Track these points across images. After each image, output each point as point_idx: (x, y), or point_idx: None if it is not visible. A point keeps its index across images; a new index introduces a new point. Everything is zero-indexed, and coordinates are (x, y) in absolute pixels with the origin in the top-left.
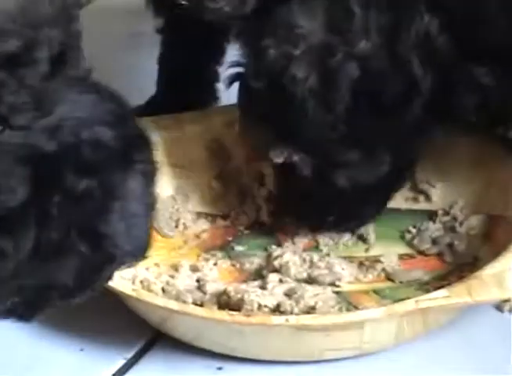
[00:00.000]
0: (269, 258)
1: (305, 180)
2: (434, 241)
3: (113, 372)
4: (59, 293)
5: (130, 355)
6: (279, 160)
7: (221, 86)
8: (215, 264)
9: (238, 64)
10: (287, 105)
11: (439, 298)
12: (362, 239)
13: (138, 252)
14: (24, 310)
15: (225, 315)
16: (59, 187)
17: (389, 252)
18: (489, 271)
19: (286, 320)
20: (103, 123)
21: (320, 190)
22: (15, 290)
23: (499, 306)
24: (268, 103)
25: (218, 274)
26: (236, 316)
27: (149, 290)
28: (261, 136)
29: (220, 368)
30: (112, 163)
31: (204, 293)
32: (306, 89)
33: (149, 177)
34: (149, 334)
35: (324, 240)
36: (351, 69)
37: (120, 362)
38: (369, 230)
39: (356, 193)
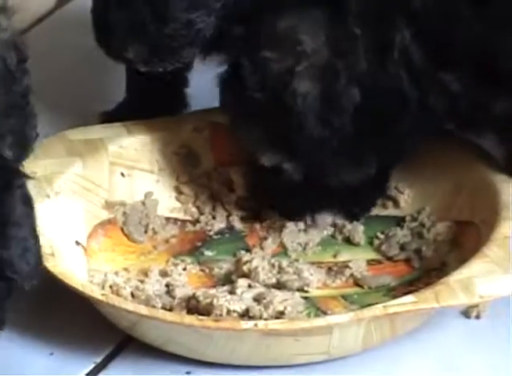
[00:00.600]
0: (238, 263)
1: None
2: (402, 247)
3: (85, 373)
4: None
5: (99, 359)
6: (270, 164)
7: (189, 92)
8: (184, 269)
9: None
10: (285, 117)
11: (407, 303)
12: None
13: (34, 274)
14: None
15: (194, 320)
16: None
17: (357, 258)
18: (457, 277)
19: (255, 325)
20: None
21: (307, 190)
22: None
23: (466, 312)
24: (266, 112)
25: (187, 279)
26: (205, 321)
27: (119, 294)
28: (252, 139)
29: (188, 373)
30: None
31: (173, 298)
32: (306, 105)
33: (30, 201)
34: (118, 339)
35: (293, 245)
36: (354, 94)
37: (90, 366)
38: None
39: (343, 191)
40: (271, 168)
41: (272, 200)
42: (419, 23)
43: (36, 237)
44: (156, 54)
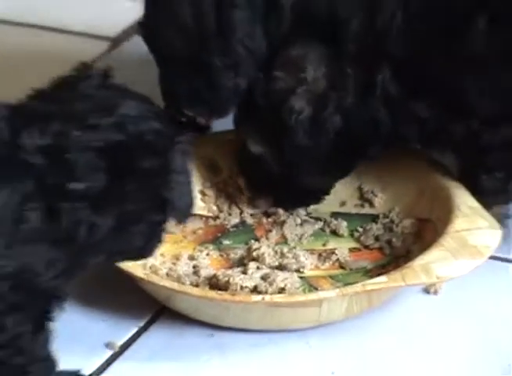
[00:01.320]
0: (249, 250)
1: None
2: (376, 238)
3: (129, 337)
4: (133, 254)
5: (142, 324)
6: (255, 152)
7: None
8: (207, 254)
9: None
10: (278, 124)
11: (381, 282)
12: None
13: (189, 211)
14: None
15: (215, 294)
16: (129, 167)
17: (341, 246)
18: (419, 262)
19: (263, 299)
20: (150, 118)
21: (279, 184)
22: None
23: (426, 289)
24: (265, 115)
25: (209, 262)
26: (224, 295)
27: (157, 274)
28: (248, 131)
29: (211, 335)
30: (165, 145)
31: (199, 277)
32: (297, 121)
33: (187, 154)
34: (156, 308)
35: (291, 236)
36: (336, 120)
37: (134, 329)
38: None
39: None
40: (255, 157)
41: (255, 185)
42: (397, 65)
43: (190, 183)
44: (211, 112)
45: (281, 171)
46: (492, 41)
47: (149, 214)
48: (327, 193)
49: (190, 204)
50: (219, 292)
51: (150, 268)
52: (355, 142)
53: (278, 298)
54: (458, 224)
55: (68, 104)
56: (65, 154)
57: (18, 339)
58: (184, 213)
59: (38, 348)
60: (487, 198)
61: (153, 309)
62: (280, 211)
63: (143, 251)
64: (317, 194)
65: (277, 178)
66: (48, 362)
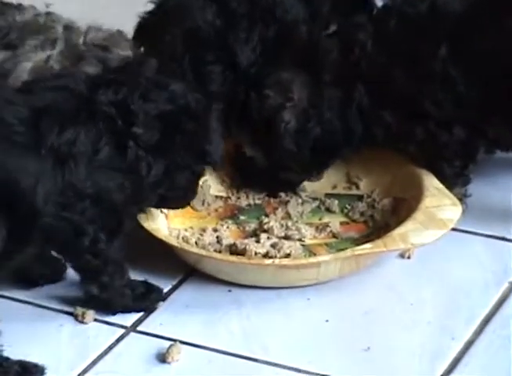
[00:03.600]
0: (261, 223)
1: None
2: (362, 214)
3: (166, 291)
4: (175, 202)
5: (175, 282)
6: (249, 154)
7: None
8: (227, 227)
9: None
10: (271, 133)
11: (366, 248)
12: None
13: (219, 160)
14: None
15: (235, 258)
16: (179, 128)
17: (334, 220)
18: (397, 232)
19: (273, 262)
20: (192, 92)
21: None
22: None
23: (401, 254)
24: (258, 126)
25: (229, 233)
26: (242, 259)
27: (188, 243)
28: (244, 138)
29: (229, 290)
30: (205, 111)
31: (221, 245)
32: (286, 129)
33: (218, 120)
34: (186, 270)
35: (294, 213)
36: (317, 132)
37: (169, 286)
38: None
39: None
40: (249, 158)
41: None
42: (369, 84)
43: (222, 141)
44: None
45: (268, 168)
46: (449, 65)
47: (192, 163)
48: (299, 185)
49: (221, 154)
50: (238, 257)
51: (182, 238)
52: (330, 148)
53: (285, 261)
54: (427, 202)
55: (134, 79)
56: (131, 106)
57: (96, 244)
58: (217, 160)
59: (112, 252)
60: (448, 182)
61: (184, 270)
62: (283, 194)
63: (183, 199)
64: (293, 186)
65: (264, 174)
66: (121, 266)
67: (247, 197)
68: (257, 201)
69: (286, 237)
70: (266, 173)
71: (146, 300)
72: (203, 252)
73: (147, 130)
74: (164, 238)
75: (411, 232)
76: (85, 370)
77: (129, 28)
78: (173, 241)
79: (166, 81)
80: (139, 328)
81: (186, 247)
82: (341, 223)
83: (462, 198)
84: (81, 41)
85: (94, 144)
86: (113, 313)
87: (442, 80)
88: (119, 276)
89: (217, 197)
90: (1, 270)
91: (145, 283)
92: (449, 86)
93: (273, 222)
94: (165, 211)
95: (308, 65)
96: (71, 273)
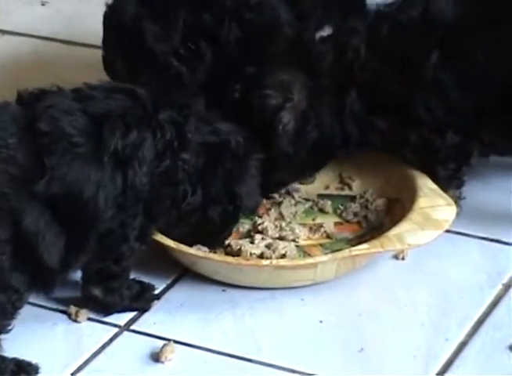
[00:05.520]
0: (255, 224)
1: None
2: (355, 214)
3: (160, 290)
4: (207, 237)
5: (169, 281)
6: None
7: None
8: None
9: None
10: (269, 134)
11: (364, 249)
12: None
13: (254, 208)
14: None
15: (232, 259)
16: (220, 161)
17: (328, 221)
18: (393, 232)
19: (271, 262)
20: (237, 134)
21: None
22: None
23: (396, 256)
24: (259, 127)
25: None
26: (239, 260)
27: (185, 244)
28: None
29: (224, 290)
30: (245, 155)
31: None
32: (284, 130)
33: (257, 169)
34: (180, 270)
35: (287, 213)
36: (314, 134)
37: (163, 285)
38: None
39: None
40: None
41: None
42: (362, 90)
43: (258, 189)
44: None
45: (265, 169)
46: (441, 71)
47: (224, 202)
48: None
49: (255, 203)
50: (235, 257)
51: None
52: (326, 150)
53: (282, 261)
54: (422, 202)
55: (190, 107)
56: (186, 132)
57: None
58: (249, 209)
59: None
60: (443, 184)
61: (177, 271)
62: (276, 194)
63: (216, 236)
64: (286, 185)
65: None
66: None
67: None
68: None
69: (281, 238)
70: (262, 173)
71: (142, 300)
72: (201, 253)
73: (193, 156)
74: (160, 239)
75: (407, 232)
76: (79, 369)
77: None
78: (170, 242)
79: (212, 118)
80: (133, 327)
81: (184, 248)
82: (335, 224)
83: (456, 200)
84: None
85: (157, 154)
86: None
87: (434, 86)
88: (125, 282)
89: None
90: (55, 285)
91: (139, 282)
92: (441, 93)
93: (267, 223)
94: None
95: (305, 67)
96: None
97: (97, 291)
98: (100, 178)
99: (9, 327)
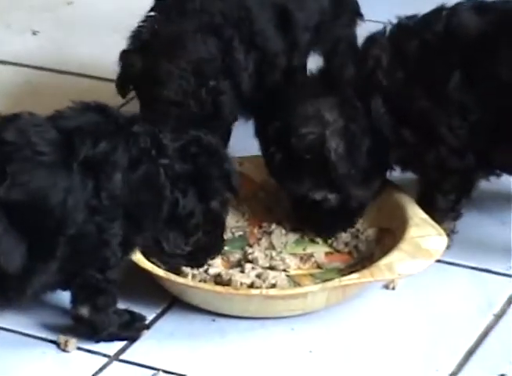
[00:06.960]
0: (245, 254)
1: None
2: (346, 244)
3: (150, 319)
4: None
5: (158, 311)
6: (320, 198)
7: None
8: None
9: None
10: (325, 166)
11: (354, 278)
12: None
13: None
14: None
15: (222, 289)
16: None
17: (319, 250)
18: (383, 262)
19: (261, 292)
20: (224, 161)
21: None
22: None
23: (386, 285)
24: (310, 166)
25: (216, 263)
26: (229, 289)
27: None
28: (302, 187)
29: (214, 320)
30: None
31: (208, 275)
32: (337, 155)
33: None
34: (169, 300)
35: (278, 243)
36: (367, 142)
37: (153, 315)
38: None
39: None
40: (319, 201)
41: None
42: (386, 99)
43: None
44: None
45: (341, 205)
46: (462, 91)
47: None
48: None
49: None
50: (225, 287)
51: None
52: (382, 153)
53: (273, 291)
54: (412, 232)
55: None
56: (161, 139)
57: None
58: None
59: (116, 273)
60: (439, 215)
61: (167, 300)
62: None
63: (208, 251)
64: (358, 213)
65: (335, 213)
66: (116, 290)
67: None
68: (239, 233)
69: (271, 268)
70: (338, 211)
71: (131, 329)
72: (191, 283)
73: (173, 161)
74: (150, 268)
75: (397, 262)
76: None
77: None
78: (160, 271)
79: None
80: (122, 357)
81: (172, 277)
82: (326, 254)
83: (449, 234)
84: None
85: (131, 160)
86: (97, 341)
87: (456, 105)
88: (112, 301)
89: None
90: (24, 294)
91: (129, 312)
92: (463, 112)
93: (257, 253)
94: None
95: (324, 88)
96: (54, 301)
97: (84, 310)
98: (69, 184)
99: None
